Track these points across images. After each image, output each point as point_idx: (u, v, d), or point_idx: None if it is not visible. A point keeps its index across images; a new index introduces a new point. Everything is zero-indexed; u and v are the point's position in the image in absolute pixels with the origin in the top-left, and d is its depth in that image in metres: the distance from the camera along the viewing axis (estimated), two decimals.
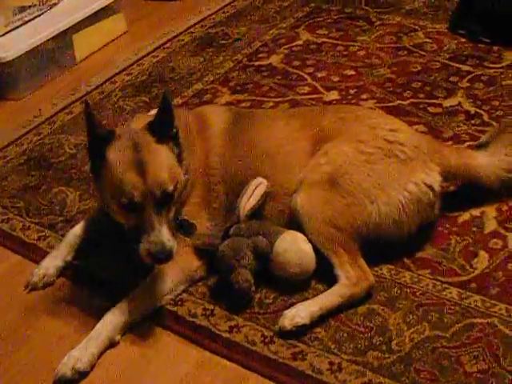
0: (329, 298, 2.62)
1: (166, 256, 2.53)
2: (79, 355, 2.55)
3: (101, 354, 2.60)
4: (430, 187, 2.79)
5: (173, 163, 2.65)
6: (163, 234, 2.53)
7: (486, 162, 2.94)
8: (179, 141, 2.71)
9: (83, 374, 2.55)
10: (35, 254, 3.11)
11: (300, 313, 2.55)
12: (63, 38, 4.57)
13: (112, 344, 2.62)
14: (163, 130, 2.63)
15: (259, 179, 2.86)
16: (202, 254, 2.81)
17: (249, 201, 2.83)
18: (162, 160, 2.61)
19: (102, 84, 4.38)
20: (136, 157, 2.56)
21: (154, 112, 2.82)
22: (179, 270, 2.77)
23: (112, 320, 2.63)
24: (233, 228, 2.82)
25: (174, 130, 2.68)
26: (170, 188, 2.58)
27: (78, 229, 3.06)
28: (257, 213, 2.86)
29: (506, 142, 3.00)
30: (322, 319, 2.59)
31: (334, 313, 2.61)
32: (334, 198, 2.73)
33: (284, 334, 2.55)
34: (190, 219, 2.83)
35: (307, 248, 2.72)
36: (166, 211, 2.59)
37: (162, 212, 2.56)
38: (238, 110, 3.26)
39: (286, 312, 2.57)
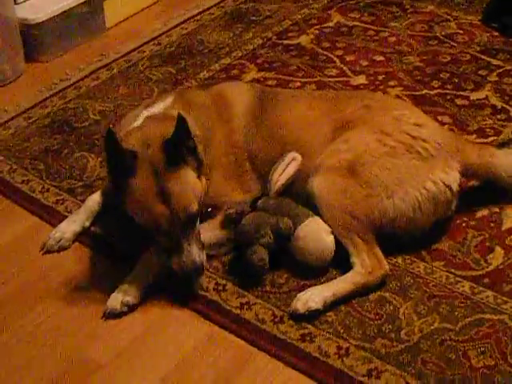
0: (343, 284, 2.62)
1: (198, 272, 2.61)
2: (127, 288, 2.64)
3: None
4: (449, 186, 2.78)
5: (193, 181, 2.65)
6: (193, 252, 2.58)
7: (507, 161, 2.91)
8: (197, 152, 2.69)
9: (132, 307, 2.64)
10: (52, 217, 3.13)
11: (314, 297, 2.55)
12: (94, 4, 4.55)
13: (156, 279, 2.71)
14: (180, 148, 2.61)
15: (293, 154, 2.84)
16: (230, 225, 2.81)
17: (281, 176, 2.82)
18: (183, 182, 2.61)
19: (129, 52, 4.38)
20: (157, 184, 2.57)
21: (156, 107, 2.87)
22: (204, 237, 2.76)
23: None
24: (261, 200, 2.82)
25: (192, 144, 2.66)
26: (195, 207, 2.61)
27: (97, 196, 3.08)
28: (288, 189, 2.86)
29: None
30: (334, 305, 2.60)
31: (346, 299, 2.62)
32: (352, 186, 2.72)
33: (296, 317, 2.55)
34: (219, 192, 2.85)
35: (328, 240, 2.72)
36: (193, 227, 2.63)
37: (189, 231, 2.60)
38: (262, 88, 3.23)
39: (300, 295, 2.58)
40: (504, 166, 2.91)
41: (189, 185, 2.62)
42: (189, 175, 2.64)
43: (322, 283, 2.69)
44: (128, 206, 2.64)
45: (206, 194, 2.74)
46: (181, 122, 2.58)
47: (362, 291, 2.64)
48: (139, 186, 2.58)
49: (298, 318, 2.55)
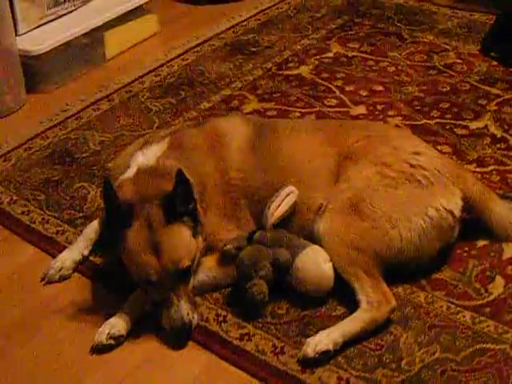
0: (350, 323, 2.60)
1: (186, 330, 2.60)
2: (114, 322, 2.64)
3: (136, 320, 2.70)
4: (451, 212, 2.78)
5: (188, 239, 2.67)
6: (182, 309, 2.58)
7: (503, 214, 2.90)
8: (196, 212, 2.72)
9: (119, 340, 2.64)
10: (53, 248, 3.12)
11: (323, 339, 2.52)
12: (95, 35, 4.59)
13: (145, 313, 2.71)
14: (178, 206, 2.64)
15: (290, 188, 2.84)
16: (228, 261, 2.81)
17: (277, 209, 2.82)
18: (176, 239, 2.63)
19: (130, 83, 4.39)
20: (151, 238, 2.59)
21: (149, 155, 2.86)
22: (203, 276, 2.79)
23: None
24: (257, 233, 2.81)
25: (192, 205, 2.69)
26: (186, 264, 2.62)
27: (96, 224, 3.09)
28: (284, 222, 2.86)
29: None
30: (344, 346, 2.56)
31: (358, 339, 2.58)
32: (354, 221, 2.73)
33: (307, 362, 2.52)
34: (216, 231, 2.85)
35: (327, 268, 2.70)
36: (185, 284, 2.64)
37: (180, 286, 2.61)
38: (259, 121, 3.25)
39: (309, 340, 2.54)
40: (498, 216, 2.90)
41: (182, 241, 2.64)
42: (183, 233, 2.66)
43: (322, 313, 2.69)
44: (121, 255, 2.68)
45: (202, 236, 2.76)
46: (180, 181, 2.61)
47: (372, 328, 2.60)
48: (133, 238, 2.61)
49: (309, 362, 2.51)
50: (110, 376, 2.57)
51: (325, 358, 2.51)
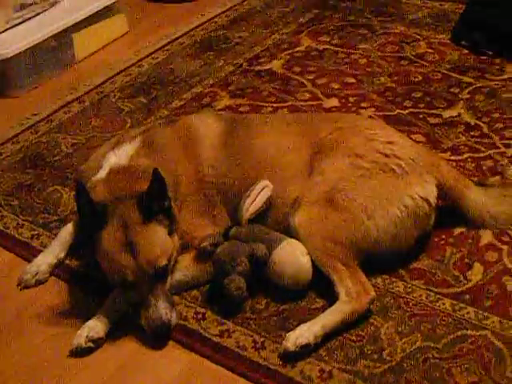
0: (330, 316, 2.58)
1: (165, 329, 2.58)
2: (92, 324, 2.62)
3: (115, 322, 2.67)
4: (426, 200, 2.78)
5: (163, 238, 2.65)
6: (160, 308, 2.56)
7: (478, 200, 2.90)
8: (171, 210, 2.70)
9: (98, 343, 2.61)
10: (28, 253, 3.09)
11: (303, 333, 2.51)
12: (63, 37, 4.56)
13: (123, 314, 2.68)
14: (153, 206, 2.62)
15: (265, 182, 2.84)
16: (205, 258, 2.79)
17: (252, 204, 2.81)
18: (152, 238, 2.61)
19: (101, 84, 4.37)
20: (126, 238, 2.58)
21: (121, 155, 2.84)
22: (180, 274, 2.77)
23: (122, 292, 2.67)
24: (233, 229, 2.81)
25: (166, 204, 2.67)
26: (163, 263, 2.60)
27: (70, 226, 3.06)
28: (259, 217, 2.84)
29: (506, 194, 2.93)
30: (325, 338, 2.55)
31: (338, 331, 2.57)
32: (331, 214, 2.72)
33: (288, 356, 2.51)
34: (191, 228, 2.83)
35: (304, 261, 2.69)
36: (162, 283, 2.62)
37: (157, 286, 2.59)
38: (232, 117, 3.23)
39: (289, 334, 2.52)
40: (474, 203, 2.89)
41: (158, 240, 2.62)
42: (159, 232, 2.64)
43: (301, 307, 2.68)
44: (97, 256, 2.65)
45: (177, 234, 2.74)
46: (156, 179, 2.59)
47: (352, 320, 2.59)
48: (108, 239, 2.59)
49: (290, 356, 2.50)
50: (91, 379, 2.55)
51: (306, 351, 2.50)
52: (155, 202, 2.62)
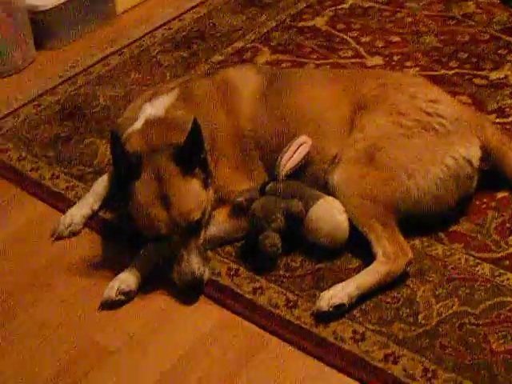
0: (366, 276, 2.54)
1: (196, 285, 2.55)
2: (124, 277, 2.60)
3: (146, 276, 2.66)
4: (469, 161, 2.71)
5: (198, 191, 2.61)
6: (192, 262, 2.53)
7: None
8: (207, 164, 2.67)
9: (130, 295, 2.60)
10: (62, 204, 3.08)
11: (337, 293, 2.47)
12: None
13: (155, 268, 2.67)
14: (189, 158, 2.59)
15: (303, 137, 2.78)
16: (241, 214, 2.75)
17: (290, 160, 2.76)
18: (186, 191, 2.57)
19: (141, 37, 4.33)
20: (161, 190, 2.55)
21: (158, 107, 2.80)
22: (215, 229, 2.74)
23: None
24: (270, 185, 2.76)
25: (202, 156, 2.63)
26: (197, 217, 2.57)
27: (105, 178, 3.04)
28: (297, 173, 2.80)
29: None
30: (360, 299, 2.51)
31: (374, 292, 2.53)
32: (370, 172, 2.67)
33: (321, 316, 2.46)
34: (227, 183, 2.79)
35: (341, 219, 2.65)
36: (196, 237, 2.59)
37: (190, 240, 2.56)
38: (272, 71, 3.17)
39: (323, 294, 2.49)
40: None
41: (192, 194, 2.59)
42: (194, 185, 2.60)
43: (337, 266, 2.64)
44: (130, 209, 2.62)
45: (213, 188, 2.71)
46: (194, 131, 2.55)
47: (388, 281, 2.54)
48: (142, 190, 2.56)
49: (323, 316, 2.46)
50: (120, 332, 2.54)
51: (340, 311, 2.46)
52: (192, 153, 2.58)
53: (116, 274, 2.63)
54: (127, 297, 2.60)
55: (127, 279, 2.60)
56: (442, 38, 4.00)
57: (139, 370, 2.41)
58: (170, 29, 4.39)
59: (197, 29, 4.36)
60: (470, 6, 4.28)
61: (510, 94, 3.48)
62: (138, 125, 2.75)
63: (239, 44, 4.14)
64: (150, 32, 4.37)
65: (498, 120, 3.28)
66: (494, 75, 3.64)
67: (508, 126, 3.24)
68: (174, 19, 4.49)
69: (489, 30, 4.03)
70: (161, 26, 4.43)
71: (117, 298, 2.58)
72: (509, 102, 3.42)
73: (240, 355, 2.41)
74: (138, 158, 2.57)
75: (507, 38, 3.93)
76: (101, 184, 3.02)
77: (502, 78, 3.61)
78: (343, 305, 2.46)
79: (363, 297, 2.50)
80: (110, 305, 2.59)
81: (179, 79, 3.24)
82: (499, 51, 3.83)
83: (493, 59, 3.77)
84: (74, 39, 4.40)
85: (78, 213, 2.94)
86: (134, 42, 4.29)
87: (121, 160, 2.58)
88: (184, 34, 4.32)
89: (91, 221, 2.97)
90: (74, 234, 2.93)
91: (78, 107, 3.72)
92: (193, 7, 4.60)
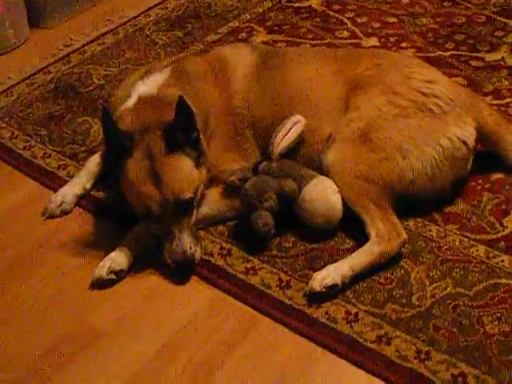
0: (359, 256, 2.52)
1: (188, 264, 2.53)
2: (115, 256, 2.59)
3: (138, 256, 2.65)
4: (464, 142, 2.69)
5: (190, 170, 2.59)
6: (184, 241, 2.52)
7: None
8: (199, 142, 2.64)
9: (120, 274, 2.59)
10: (55, 183, 3.06)
11: (330, 273, 2.46)
12: None
13: (147, 247, 2.65)
14: (180, 135, 2.56)
15: (297, 117, 2.76)
16: (233, 193, 2.73)
17: (284, 138, 2.73)
18: (178, 169, 2.56)
19: (136, 17, 4.31)
20: (152, 168, 2.53)
21: (151, 84, 2.76)
22: (207, 208, 2.72)
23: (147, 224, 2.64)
24: (263, 164, 2.74)
25: (194, 135, 2.61)
26: (188, 196, 2.55)
27: (97, 157, 3.02)
28: (291, 152, 2.77)
29: None
30: (354, 279, 2.49)
31: (367, 273, 2.51)
32: (365, 152, 2.65)
33: (314, 296, 2.45)
34: (219, 162, 2.77)
35: (335, 199, 2.63)
36: (187, 217, 2.57)
37: (182, 219, 2.54)
38: (266, 49, 3.15)
39: (316, 274, 2.48)
40: None
41: (184, 172, 2.57)
42: (185, 163, 2.58)
43: (330, 247, 2.62)
44: (122, 187, 2.61)
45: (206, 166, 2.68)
46: (181, 108, 2.53)
47: (380, 262, 2.53)
48: (134, 168, 2.54)
49: (316, 297, 2.45)
50: (111, 311, 2.52)
51: (333, 292, 2.44)
52: (182, 132, 2.56)
53: (107, 254, 2.61)
54: (118, 276, 2.58)
55: (118, 258, 2.58)
56: (438, 19, 3.99)
57: (129, 350, 2.39)
58: (165, 8, 4.37)
59: (192, 8, 4.34)
60: None
61: (506, 75, 3.48)
62: (131, 103, 2.72)
63: (234, 24, 4.12)
64: (144, 11, 4.35)
65: (493, 102, 3.27)
66: (490, 57, 3.63)
67: (504, 108, 3.23)
68: None
69: (485, 12, 4.03)
70: (156, 5, 4.42)
71: (108, 277, 2.56)
72: (505, 83, 3.41)
73: (232, 335, 2.40)
74: (130, 136, 2.55)
75: (503, 20, 3.93)
76: (93, 163, 3.00)
77: (498, 60, 3.60)
78: (336, 285, 2.44)
79: (356, 277, 2.49)
80: (100, 284, 2.57)
81: (172, 57, 3.20)
82: (495, 33, 3.83)
83: (489, 41, 3.76)
84: (68, 18, 4.37)
85: (70, 192, 2.92)
86: (129, 21, 4.27)
87: (112, 138, 2.55)
88: (179, 13, 4.29)
89: (83, 200, 2.95)
90: (65, 213, 2.90)
91: (71, 86, 3.70)
92: None
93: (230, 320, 2.44)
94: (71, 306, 2.56)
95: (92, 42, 4.09)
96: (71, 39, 4.13)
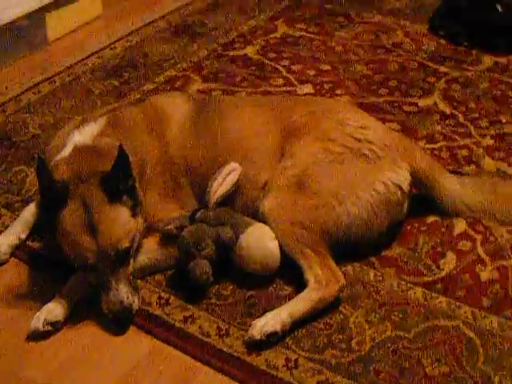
0: (298, 303, 2.52)
1: (125, 314, 2.51)
2: (51, 307, 2.54)
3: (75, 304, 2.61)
4: (399, 186, 2.73)
5: (126, 219, 2.56)
6: (121, 292, 2.49)
7: (453, 188, 2.86)
8: (135, 191, 2.62)
9: (56, 326, 2.54)
10: None
11: (269, 321, 2.44)
12: (36, 17, 4.44)
13: (84, 298, 2.61)
14: (117, 185, 2.54)
15: (233, 165, 2.77)
16: (170, 242, 2.71)
17: (220, 187, 2.74)
18: (114, 219, 2.52)
19: (72, 65, 4.27)
20: (87, 218, 2.49)
21: (86, 134, 2.75)
22: (144, 258, 2.70)
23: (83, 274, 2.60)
24: (200, 212, 2.73)
25: (130, 183, 2.59)
26: (125, 245, 2.53)
27: (33, 206, 2.98)
28: (228, 200, 2.77)
29: (481, 183, 2.91)
30: (293, 326, 2.48)
31: (307, 319, 2.51)
32: (301, 199, 2.66)
33: (254, 344, 2.44)
34: (156, 211, 2.75)
35: (272, 246, 2.63)
36: (124, 266, 2.55)
37: (119, 269, 2.52)
38: (202, 98, 3.17)
39: (255, 322, 2.46)
40: (448, 191, 2.86)
41: (120, 222, 2.54)
42: (122, 213, 2.55)
43: (269, 293, 2.63)
44: (57, 238, 2.56)
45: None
46: (121, 158, 2.51)
47: (320, 307, 2.53)
48: (69, 219, 2.51)
49: (256, 345, 2.43)
50: (48, 363, 2.47)
51: (273, 339, 2.43)
52: (119, 181, 2.54)
53: (43, 305, 2.57)
54: (54, 327, 2.53)
55: (54, 309, 2.54)
56: (371, 66, 4.06)
57: None
58: (101, 57, 4.35)
59: (128, 57, 4.33)
60: (398, 36, 4.39)
61: (438, 120, 3.55)
62: (66, 152, 2.70)
63: (171, 73, 4.12)
64: (81, 60, 4.33)
65: (427, 146, 3.34)
66: (422, 102, 3.71)
67: (437, 152, 3.29)
68: (105, 48, 4.45)
69: (417, 59, 4.12)
70: (92, 54, 4.39)
71: (44, 329, 2.52)
72: (437, 128, 3.49)
73: None
74: (65, 186, 2.52)
75: (435, 66, 4.03)
76: (28, 212, 2.96)
77: (431, 105, 3.68)
78: (276, 333, 2.43)
79: (296, 324, 2.48)
80: (37, 336, 2.52)
81: (108, 107, 3.19)
82: (427, 79, 3.92)
83: (422, 87, 3.85)
84: (4, 66, 4.32)
85: (5, 242, 2.87)
86: (65, 70, 4.24)
87: (47, 188, 2.52)
88: (115, 62, 4.28)
89: (18, 250, 2.90)
90: (1, 263, 2.85)
91: (6, 135, 3.65)
92: (124, 36, 4.57)
93: (170, 370, 2.41)
94: (6, 358, 2.50)
95: (28, 90, 4.04)
96: (6, 88, 4.07)
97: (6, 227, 2.98)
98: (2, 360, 2.49)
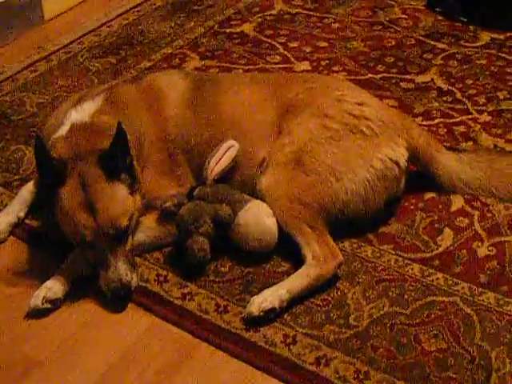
0: (296, 279, 2.53)
1: (124, 292, 2.51)
2: (50, 285, 2.55)
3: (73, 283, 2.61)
4: (396, 162, 2.74)
5: (125, 197, 2.57)
6: (119, 269, 2.50)
7: (450, 165, 2.86)
8: (133, 169, 2.62)
9: (56, 303, 2.55)
10: None
11: (267, 297, 2.46)
12: None
13: (83, 275, 2.62)
14: (115, 163, 2.55)
15: (231, 142, 2.77)
16: (168, 219, 2.72)
17: (218, 164, 2.74)
18: (112, 197, 2.53)
19: (69, 44, 4.27)
20: (86, 196, 2.50)
21: (84, 112, 2.75)
22: (143, 235, 2.71)
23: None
24: (198, 189, 2.73)
25: (128, 161, 2.59)
26: (123, 223, 2.53)
27: (31, 185, 2.98)
28: (225, 177, 2.78)
29: (478, 160, 2.89)
30: (291, 302, 2.50)
31: (305, 295, 2.52)
32: (298, 175, 2.67)
33: (252, 320, 2.45)
34: (154, 188, 2.75)
35: (270, 223, 2.64)
36: (123, 244, 2.55)
37: (117, 247, 2.52)
38: (199, 75, 3.17)
39: (253, 298, 2.48)
40: (445, 168, 2.86)
41: (119, 200, 2.55)
42: (120, 191, 2.56)
43: (266, 270, 2.64)
44: (56, 216, 2.57)
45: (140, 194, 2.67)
46: (119, 136, 2.51)
47: (318, 284, 2.54)
48: (67, 197, 2.51)
49: (254, 321, 2.44)
50: (48, 341, 2.48)
51: (271, 315, 2.44)
52: (117, 158, 2.54)
53: (42, 283, 2.58)
54: (54, 305, 2.54)
55: (53, 287, 2.55)
56: (368, 42, 4.05)
57: (66, 380, 2.35)
58: (98, 35, 4.34)
59: (125, 35, 4.32)
60: (395, 12, 4.37)
61: (435, 97, 3.55)
62: (64, 131, 2.70)
63: (167, 50, 4.11)
64: (77, 38, 4.32)
65: (424, 122, 3.34)
66: (419, 79, 3.70)
67: (434, 128, 3.29)
68: (102, 26, 4.44)
69: (414, 35, 4.10)
70: (89, 32, 4.38)
71: (43, 307, 2.53)
72: (435, 104, 3.48)
73: (169, 362, 2.38)
74: (63, 164, 2.52)
75: (432, 43, 4.02)
76: (27, 191, 2.96)
77: (428, 82, 3.67)
78: (274, 309, 2.44)
79: (294, 300, 2.49)
80: (36, 313, 2.53)
81: (105, 85, 3.18)
82: (424, 55, 3.91)
83: (419, 63, 3.84)
84: (0, 45, 4.31)
85: (4, 221, 2.88)
86: (62, 48, 4.23)
87: (45, 166, 2.53)
88: (112, 40, 4.27)
89: (17, 228, 2.91)
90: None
91: (4, 114, 3.65)
92: (121, 14, 4.56)
93: (169, 346, 2.42)
94: (7, 336, 2.51)
95: (25, 69, 4.03)
96: (3, 66, 4.07)
97: (5, 206, 2.99)
98: (2, 337, 2.51)
